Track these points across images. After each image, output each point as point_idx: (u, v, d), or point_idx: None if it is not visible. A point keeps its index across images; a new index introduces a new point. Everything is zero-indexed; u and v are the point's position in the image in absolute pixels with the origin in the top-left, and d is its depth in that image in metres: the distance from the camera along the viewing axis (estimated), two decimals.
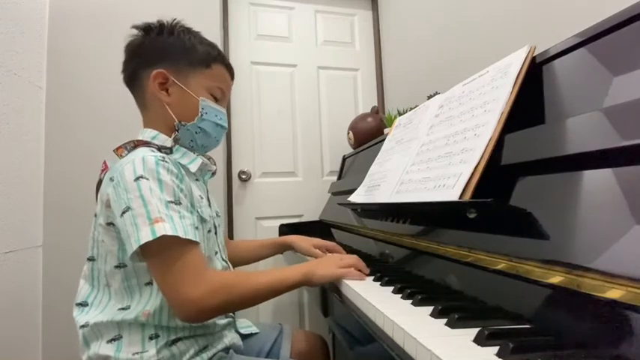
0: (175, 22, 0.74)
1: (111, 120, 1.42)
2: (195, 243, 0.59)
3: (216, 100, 0.76)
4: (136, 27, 0.73)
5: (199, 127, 0.73)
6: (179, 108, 0.72)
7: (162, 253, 0.57)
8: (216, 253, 0.77)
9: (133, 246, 0.55)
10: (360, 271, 0.67)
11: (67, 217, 1.37)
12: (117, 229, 0.60)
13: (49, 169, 1.39)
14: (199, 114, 0.72)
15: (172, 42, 0.72)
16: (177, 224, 0.57)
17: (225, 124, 0.78)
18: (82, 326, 0.62)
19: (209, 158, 0.83)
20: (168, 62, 0.71)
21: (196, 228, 0.63)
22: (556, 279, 0.40)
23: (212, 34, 1.59)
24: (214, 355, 0.68)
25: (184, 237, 0.57)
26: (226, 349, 0.72)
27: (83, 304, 0.65)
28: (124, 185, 0.58)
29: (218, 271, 0.73)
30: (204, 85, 0.73)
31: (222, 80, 0.77)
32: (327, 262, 0.70)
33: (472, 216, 0.55)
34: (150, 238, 0.54)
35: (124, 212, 0.57)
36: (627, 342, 0.32)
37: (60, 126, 1.42)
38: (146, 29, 0.73)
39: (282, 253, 1.08)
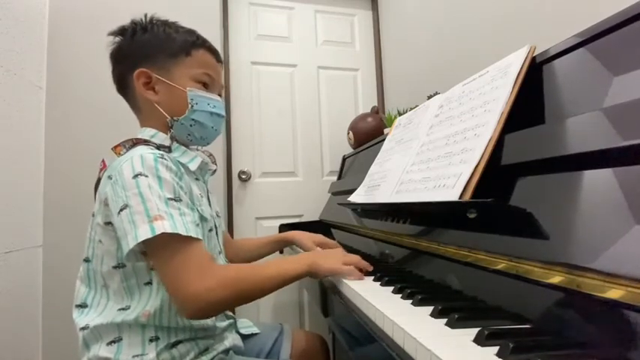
0: (150, 17, 0.72)
1: (111, 120, 1.41)
2: (197, 239, 0.58)
3: (206, 86, 0.73)
4: (111, 33, 0.71)
5: (192, 119, 0.71)
6: (169, 104, 0.70)
7: (164, 250, 0.56)
8: (220, 252, 0.77)
9: (130, 243, 0.55)
10: (360, 270, 0.67)
11: (67, 217, 1.37)
12: (115, 228, 0.59)
13: (49, 169, 1.39)
14: (189, 105, 0.70)
15: (148, 38, 0.70)
16: (177, 222, 0.56)
17: (221, 112, 0.75)
18: (82, 328, 0.61)
19: (210, 155, 0.82)
20: (149, 60, 0.69)
21: (197, 225, 0.62)
22: (556, 279, 0.40)
23: (212, 34, 1.59)
24: (214, 357, 0.68)
25: (185, 234, 0.56)
26: (226, 351, 0.72)
27: (82, 306, 0.64)
28: (122, 183, 0.57)
29: (223, 265, 0.73)
30: (189, 74, 0.71)
31: (206, 65, 0.73)
32: (332, 255, 0.70)
33: (472, 216, 0.55)
34: (149, 235, 0.54)
35: (121, 210, 0.56)
36: (627, 342, 0.32)
37: (60, 126, 1.42)
38: (121, 32, 0.71)
39: (281, 252, 1.08)
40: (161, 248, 0.56)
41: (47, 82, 1.42)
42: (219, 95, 0.77)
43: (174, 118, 0.70)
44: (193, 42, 0.72)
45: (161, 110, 0.70)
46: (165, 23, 0.73)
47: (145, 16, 0.72)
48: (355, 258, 0.69)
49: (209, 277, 0.57)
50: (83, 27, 1.46)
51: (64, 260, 1.34)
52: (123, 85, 0.73)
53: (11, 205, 1.20)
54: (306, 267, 0.65)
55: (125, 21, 0.73)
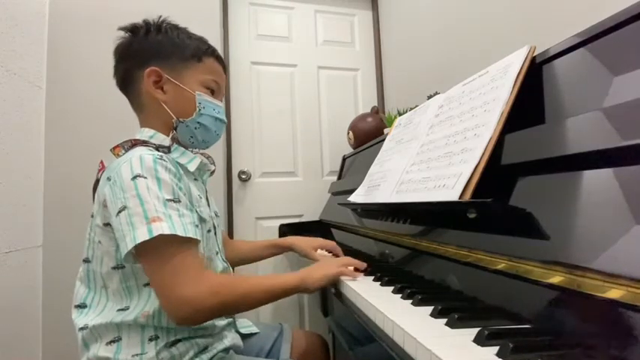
0: (162, 19, 0.73)
1: (111, 120, 1.42)
2: (194, 241, 0.58)
3: (212, 93, 0.75)
4: (122, 28, 0.72)
5: (198, 122, 0.72)
6: (176, 105, 0.71)
7: (160, 252, 0.56)
8: (217, 253, 0.77)
9: (128, 245, 0.55)
10: (357, 269, 0.68)
11: (67, 217, 1.37)
12: (113, 229, 0.59)
13: (49, 169, 1.39)
14: (197, 109, 0.71)
15: (161, 40, 0.71)
16: (175, 223, 0.56)
17: (224, 118, 0.77)
18: (81, 328, 0.62)
19: (208, 157, 0.82)
20: (160, 60, 0.70)
21: (196, 226, 0.62)
22: (556, 279, 0.40)
23: (212, 34, 1.59)
24: (214, 355, 0.68)
25: (183, 235, 0.56)
26: (226, 350, 0.72)
27: (82, 306, 0.64)
28: (121, 184, 0.57)
29: (216, 273, 0.72)
30: (199, 79, 0.73)
31: (215, 72, 0.76)
32: (323, 264, 0.71)
33: (472, 216, 0.55)
34: (147, 237, 0.54)
35: (119, 211, 0.56)
36: (627, 342, 0.32)
37: (60, 126, 1.42)
38: (133, 30, 0.72)
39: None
40: (156, 250, 0.56)
41: (47, 82, 1.41)
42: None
43: (180, 120, 0.71)
44: (205, 50, 0.74)
45: (167, 110, 0.70)
46: (178, 28, 0.75)
47: (159, 18, 0.73)
48: (346, 259, 0.70)
49: (202, 284, 0.57)
50: (83, 27, 1.46)
51: (64, 260, 1.33)
52: (127, 81, 0.73)
53: (11, 205, 1.20)
54: (297, 282, 0.66)
55: (125, 21, 0.73)
